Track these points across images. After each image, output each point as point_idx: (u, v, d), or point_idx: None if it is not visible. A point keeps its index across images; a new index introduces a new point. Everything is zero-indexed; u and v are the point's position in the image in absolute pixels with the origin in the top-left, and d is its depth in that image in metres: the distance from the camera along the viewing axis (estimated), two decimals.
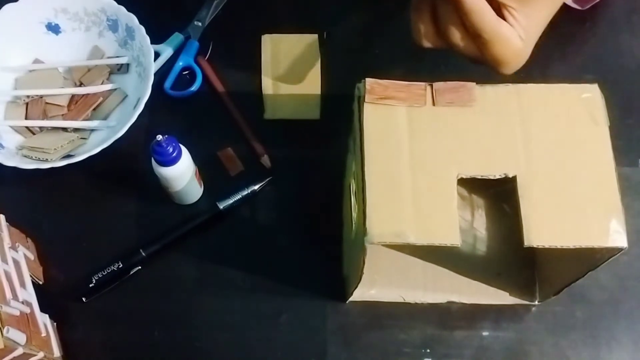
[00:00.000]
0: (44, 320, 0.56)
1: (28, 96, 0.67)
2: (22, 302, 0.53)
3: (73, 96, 0.68)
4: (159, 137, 0.55)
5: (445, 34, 0.48)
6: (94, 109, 0.68)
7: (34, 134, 0.66)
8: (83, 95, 0.68)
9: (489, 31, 0.47)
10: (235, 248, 0.63)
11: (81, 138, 0.66)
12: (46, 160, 0.63)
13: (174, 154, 0.56)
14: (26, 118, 0.67)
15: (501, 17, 0.47)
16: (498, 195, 0.62)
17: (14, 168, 0.61)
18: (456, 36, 0.48)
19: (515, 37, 0.47)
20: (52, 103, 0.67)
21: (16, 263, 0.56)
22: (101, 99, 0.68)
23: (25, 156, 0.64)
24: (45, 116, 0.67)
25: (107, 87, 0.68)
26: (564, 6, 0.51)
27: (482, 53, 0.48)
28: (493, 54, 0.48)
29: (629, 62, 0.71)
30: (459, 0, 0.46)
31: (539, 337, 0.60)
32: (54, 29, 0.69)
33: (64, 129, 0.66)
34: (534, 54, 0.49)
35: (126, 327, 0.60)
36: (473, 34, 0.47)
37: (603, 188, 0.46)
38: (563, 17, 0.70)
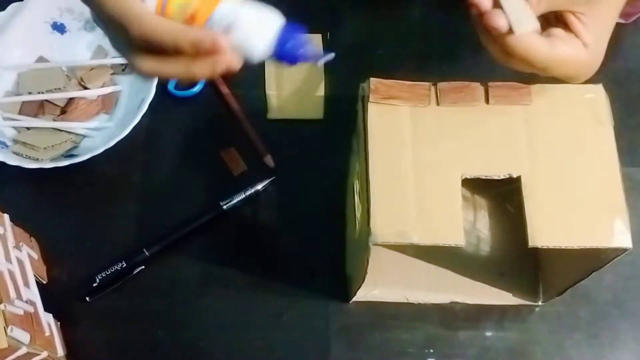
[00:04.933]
0: (47, 319, 0.56)
1: (30, 92, 0.67)
2: (26, 302, 0.53)
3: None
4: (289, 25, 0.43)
5: (503, 63, 0.45)
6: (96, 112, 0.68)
7: (29, 129, 0.67)
8: (84, 99, 0.67)
9: (542, 62, 0.43)
10: (238, 248, 0.63)
11: (73, 141, 0.66)
12: (37, 160, 0.63)
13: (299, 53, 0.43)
14: (19, 113, 0.66)
15: (564, 24, 0.44)
16: (501, 196, 0.62)
17: (18, 167, 0.61)
18: (512, 65, 0.44)
19: (576, 53, 0.44)
20: (50, 101, 0.67)
21: (20, 262, 0.56)
22: (101, 105, 0.68)
23: (15, 152, 0.64)
24: (42, 113, 0.67)
25: (111, 88, 0.68)
26: None
27: (546, 74, 0.44)
28: (557, 75, 0.44)
29: (633, 62, 0.71)
30: (501, 43, 0.42)
31: (542, 338, 0.60)
32: (59, 28, 0.69)
33: (59, 129, 0.66)
34: None
35: (129, 326, 0.60)
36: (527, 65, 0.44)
37: (607, 188, 0.46)
38: None
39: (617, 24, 0.70)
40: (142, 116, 0.63)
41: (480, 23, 0.42)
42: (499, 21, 0.41)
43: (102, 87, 0.68)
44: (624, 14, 0.70)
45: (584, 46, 0.44)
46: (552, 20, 0.45)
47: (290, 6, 0.73)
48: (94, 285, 0.60)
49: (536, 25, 0.42)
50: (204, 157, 0.65)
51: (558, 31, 0.44)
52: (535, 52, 0.42)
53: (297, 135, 0.67)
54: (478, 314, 0.60)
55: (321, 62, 0.44)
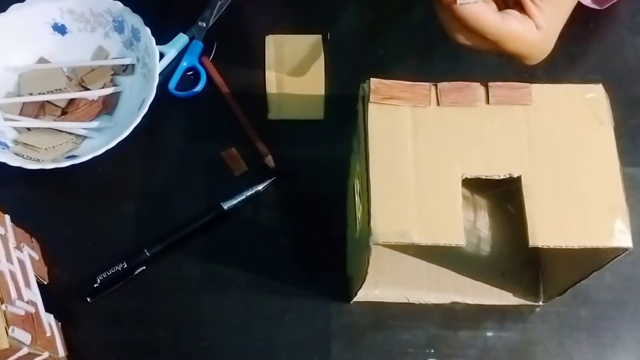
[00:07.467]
0: (48, 320, 0.56)
1: (31, 93, 0.67)
2: (27, 302, 0.53)
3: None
4: None
5: (452, 38, 0.48)
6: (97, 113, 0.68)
7: (29, 129, 0.67)
8: (84, 100, 0.68)
9: (493, 33, 0.46)
10: (239, 248, 0.63)
11: (73, 142, 0.66)
12: (38, 160, 0.63)
13: None
14: (20, 114, 0.67)
15: (521, 7, 0.47)
16: (501, 196, 0.62)
17: (19, 168, 0.61)
18: (461, 39, 0.48)
19: (527, 30, 0.47)
20: (51, 102, 0.67)
21: (21, 263, 0.56)
22: (102, 106, 0.68)
23: (15, 153, 0.64)
24: (43, 114, 0.67)
25: (112, 89, 0.68)
26: (581, 6, 0.51)
27: (496, 49, 0.48)
28: (507, 50, 0.48)
29: (634, 62, 0.71)
30: (452, 9, 0.45)
31: (543, 338, 0.60)
32: (60, 29, 0.69)
33: (60, 130, 0.66)
34: None
35: (131, 327, 0.60)
36: (478, 35, 0.47)
37: (608, 188, 0.46)
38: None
39: (597, 12, 0.70)
40: (143, 117, 0.63)
41: None
42: None
43: (103, 87, 0.68)
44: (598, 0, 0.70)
45: (537, 27, 0.47)
46: (510, 4, 0.49)
47: (292, 6, 0.74)
48: (95, 285, 0.60)
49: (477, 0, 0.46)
50: (204, 157, 0.65)
51: (513, 11, 0.48)
52: (485, 21, 0.46)
53: (298, 135, 0.67)
54: (479, 314, 0.60)
55: None
